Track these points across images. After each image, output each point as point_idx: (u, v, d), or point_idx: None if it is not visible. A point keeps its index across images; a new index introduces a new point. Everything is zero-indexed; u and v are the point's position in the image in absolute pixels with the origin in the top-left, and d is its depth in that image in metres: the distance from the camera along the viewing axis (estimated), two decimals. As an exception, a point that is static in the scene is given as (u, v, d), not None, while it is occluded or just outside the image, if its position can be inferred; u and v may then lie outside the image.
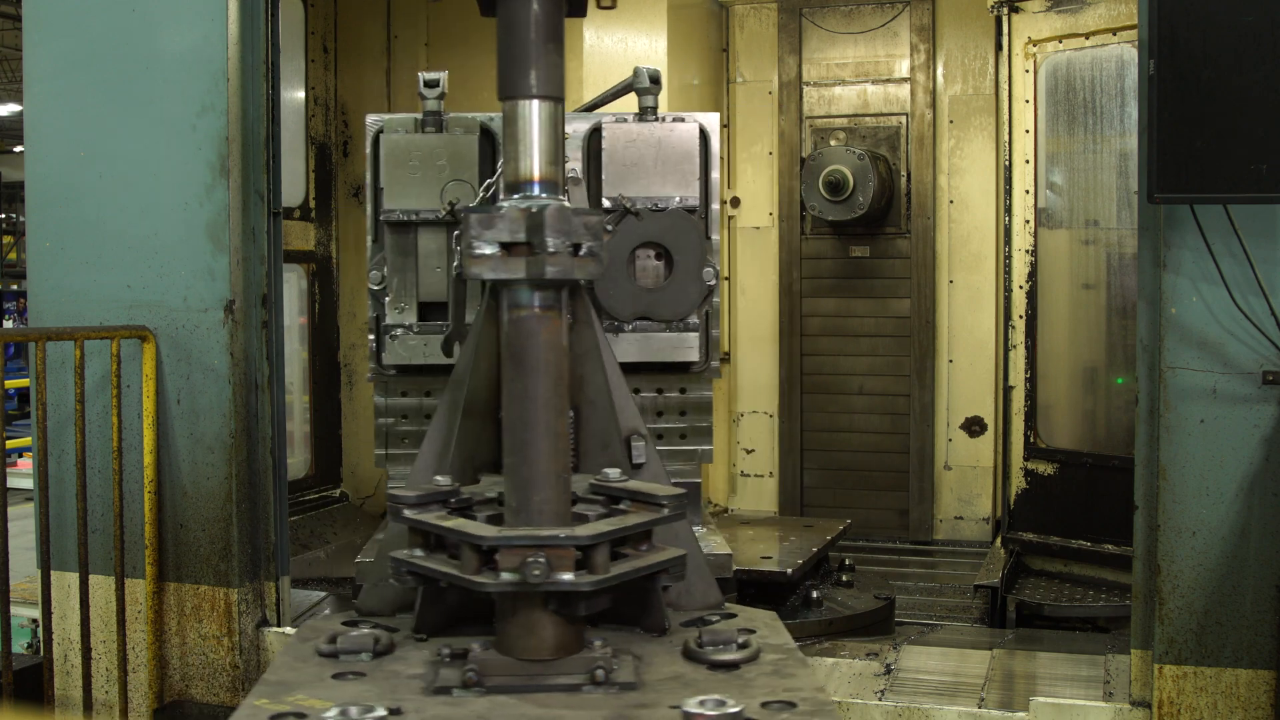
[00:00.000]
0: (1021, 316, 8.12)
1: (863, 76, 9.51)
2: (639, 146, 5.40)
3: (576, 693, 3.46)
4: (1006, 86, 8.19)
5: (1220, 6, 4.76)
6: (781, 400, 9.68)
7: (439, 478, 3.78)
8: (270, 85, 5.92)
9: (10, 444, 8.68)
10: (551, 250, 3.45)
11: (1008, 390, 8.21)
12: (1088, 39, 7.76)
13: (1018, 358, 8.14)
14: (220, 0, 5.75)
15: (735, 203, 9.68)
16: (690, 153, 5.43)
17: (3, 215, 36.29)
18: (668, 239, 5.58)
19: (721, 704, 3.15)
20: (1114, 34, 7.60)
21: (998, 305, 8.78)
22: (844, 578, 7.30)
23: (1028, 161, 8.10)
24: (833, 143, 9.43)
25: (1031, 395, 8.13)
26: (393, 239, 5.24)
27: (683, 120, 5.50)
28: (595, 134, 5.48)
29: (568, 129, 5.03)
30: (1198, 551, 5.12)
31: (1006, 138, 8.17)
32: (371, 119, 5.31)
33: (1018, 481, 8.17)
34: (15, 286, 31.45)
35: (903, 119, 9.39)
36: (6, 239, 36.67)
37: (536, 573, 3.40)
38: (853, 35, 9.51)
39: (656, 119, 5.52)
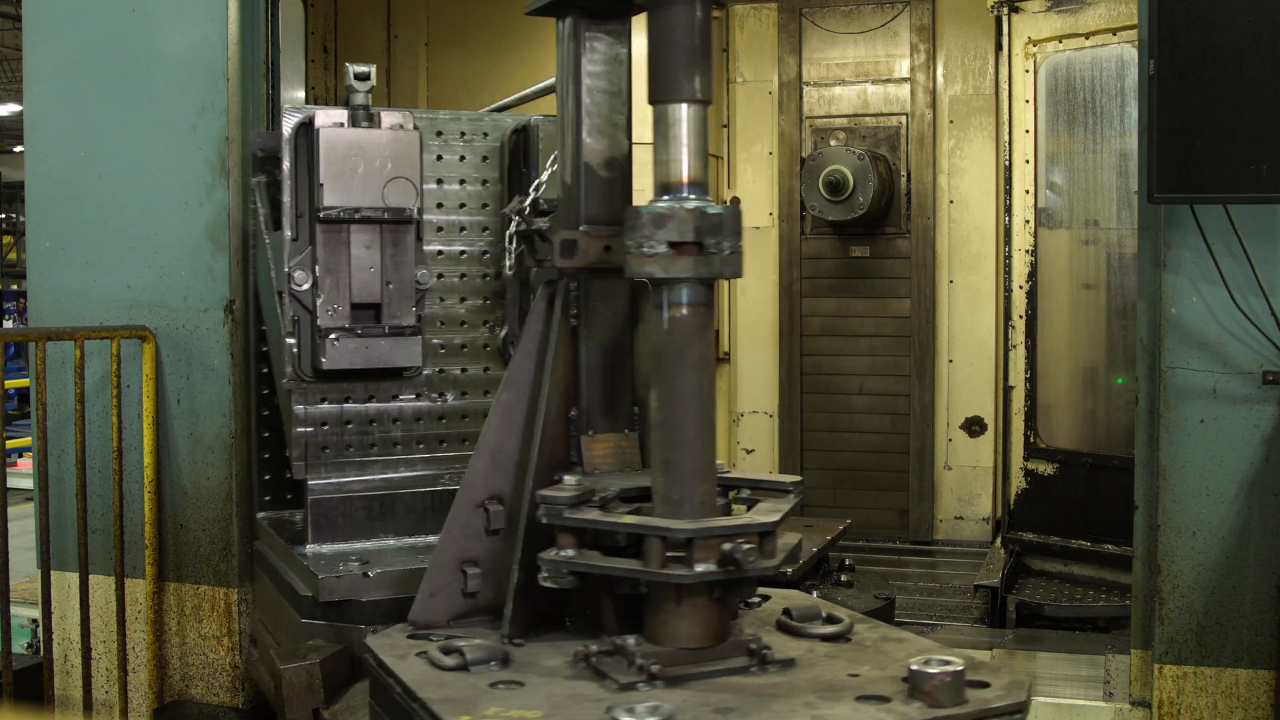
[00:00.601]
0: (1021, 316, 8.12)
1: (863, 76, 9.51)
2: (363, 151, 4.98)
3: (752, 674, 3.57)
4: (1006, 86, 8.20)
5: (1220, 6, 4.76)
6: (781, 400, 9.68)
7: (568, 478, 3.81)
8: (270, 85, 5.92)
9: (10, 444, 8.68)
10: (729, 251, 3.64)
11: (1008, 390, 8.21)
12: (1088, 39, 7.76)
13: (1018, 358, 8.15)
14: (220, 0, 5.75)
15: (735, 203, 9.68)
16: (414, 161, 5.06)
17: (3, 215, 36.27)
18: None
19: (945, 663, 3.33)
20: (1114, 34, 7.61)
21: (998, 305, 8.78)
22: (844, 578, 7.29)
23: (1028, 161, 8.10)
24: (833, 143, 9.43)
25: (1031, 395, 8.13)
26: (326, 237, 4.98)
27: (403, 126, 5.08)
28: (303, 130, 5.02)
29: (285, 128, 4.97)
30: (1198, 551, 5.12)
31: (1006, 138, 8.17)
32: (291, 110, 5.04)
33: (1018, 481, 8.17)
34: (15, 286, 31.43)
35: (903, 119, 9.40)
36: (6, 239, 36.65)
37: (752, 560, 3.48)
38: (853, 35, 9.52)
39: (371, 122, 5.04)
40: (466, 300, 5.40)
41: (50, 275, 6.06)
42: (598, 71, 4.16)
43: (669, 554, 3.52)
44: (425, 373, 5.24)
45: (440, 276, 5.31)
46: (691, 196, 3.72)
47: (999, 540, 8.37)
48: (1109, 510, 7.55)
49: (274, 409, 5.54)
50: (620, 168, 4.17)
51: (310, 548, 4.94)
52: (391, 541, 5.10)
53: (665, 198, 3.73)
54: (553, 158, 4.41)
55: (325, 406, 5.10)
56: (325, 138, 4.92)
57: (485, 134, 5.45)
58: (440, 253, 5.32)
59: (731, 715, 3.26)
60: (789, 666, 3.62)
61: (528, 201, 4.34)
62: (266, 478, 5.59)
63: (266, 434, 5.58)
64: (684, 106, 3.76)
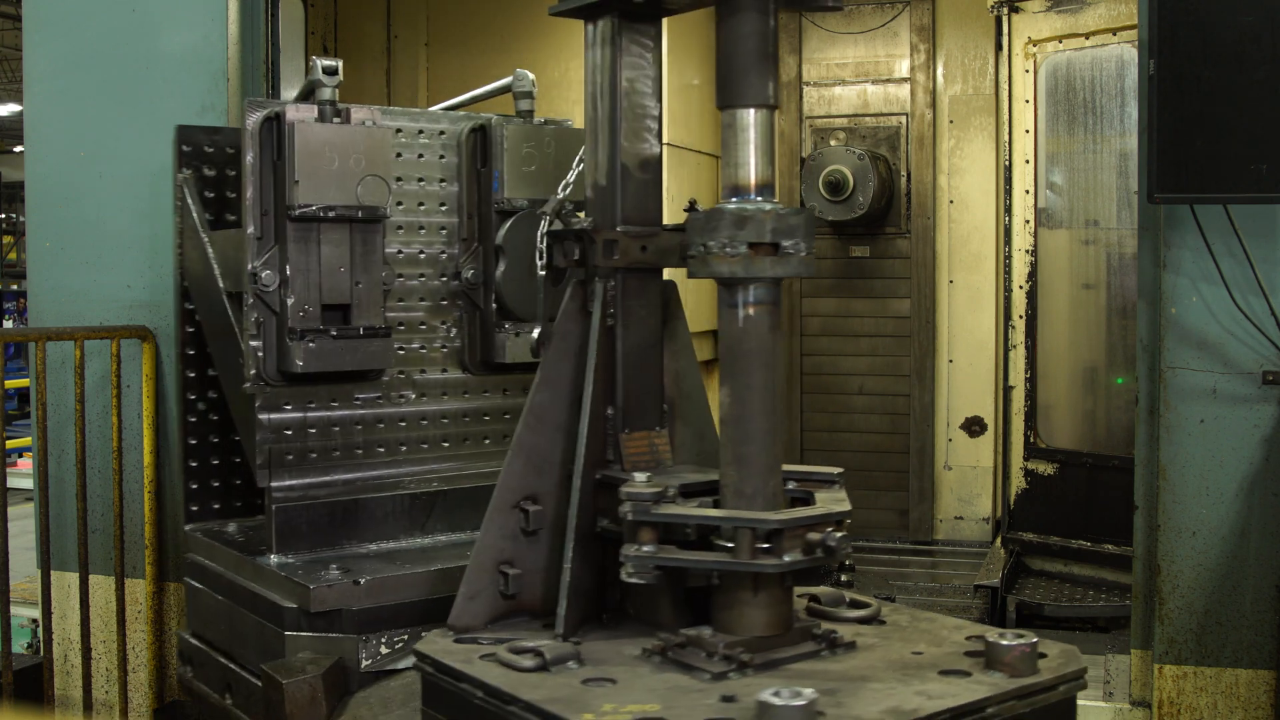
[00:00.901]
0: (1021, 316, 8.12)
1: (863, 76, 9.51)
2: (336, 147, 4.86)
3: (825, 658, 3.71)
4: (1006, 86, 8.19)
5: (1220, 6, 4.76)
6: (782, 400, 9.68)
7: (638, 475, 3.88)
8: (270, 85, 5.92)
9: (10, 444, 8.68)
10: (805, 252, 3.78)
11: (1008, 390, 8.21)
12: (1088, 39, 7.76)
13: (1018, 358, 8.14)
14: (220, 0, 5.76)
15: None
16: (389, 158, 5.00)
17: (3, 215, 36.29)
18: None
19: (1020, 635, 3.57)
20: (1114, 34, 7.61)
21: (998, 305, 8.78)
22: (844, 578, 7.28)
23: (1028, 161, 8.10)
24: (833, 143, 9.43)
25: (1031, 395, 8.13)
26: (297, 236, 4.74)
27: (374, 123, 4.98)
28: (271, 124, 4.81)
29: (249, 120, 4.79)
30: (1198, 551, 5.12)
31: (1006, 138, 8.17)
32: (255, 103, 4.81)
33: (1018, 481, 8.17)
34: (15, 286, 31.45)
35: (903, 119, 9.40)
36: (6, 239, 36.67)
37: (845, 549, 3.65)
38: (853, 35, 9.51)
39: (341, 117, 4.91)
40: (425, 302, 5.27)
41: (50, 275, 6.07)
42: (634, 75, 4.30)
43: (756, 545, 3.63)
44: (384, 377, 5.10)
45: (400, 277, 5.18)
46: (759, 199, 3.84)
47: (999, 540, 8.37)
48: (1109, 510, 7.55)
49: (202, 415, 5.46)
50: (653, 169, 4.29)
51: (275, 558, 4.75)
52: (360, 548, 4.95)
53: (734, 200, 3.84)
54: (578, 158, 4.52)
55: (290, 412, 4.91)
56: (300, 133, 4.74)
57: (442, 132, 5.35)
58: (400, 253, 5.19)
59: (839, 696, 3.37)
60: (852, 649, 3.77)
61: (558, 202, 4.33)
62: (194, 486, 5.45)
63: (194, 441, 5.45)
64: (752, 111, 3.86)
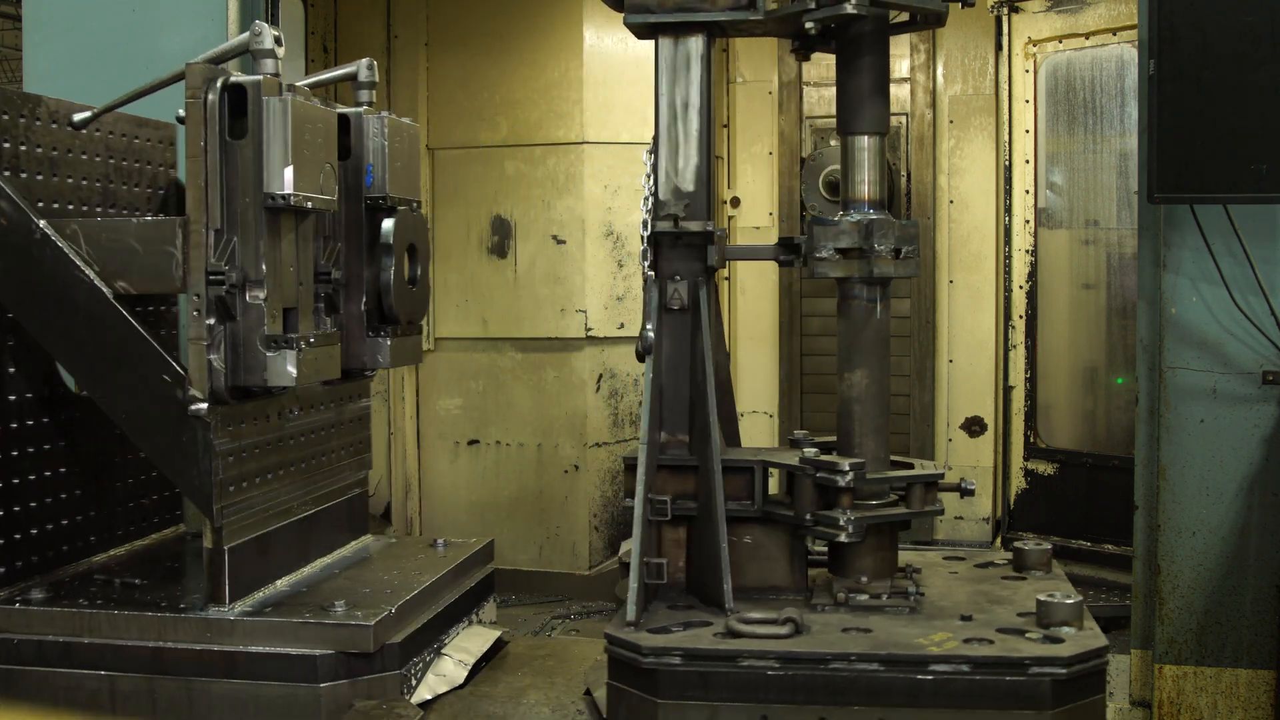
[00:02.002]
0: (1021, 316, 8.12)
1: (863, 76, 9.51)
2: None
3: (909, 602, 4.54)
4: (1006, 86, 8.20)
5: (1220, 6, 4.76)
6: (781, 400, 9.68)
7: (807, 451, 4.60)
8: (270, 85, 5.91)
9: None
10: (918, 255, 4.76)
11: (1008, 390, 8.21)
12: (1088, 39, 7.77)
13: (1018, 358, 8.15)
14: (220, 0, 5.76)
15: (735, 203, 9.68)
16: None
17: (3, 215, 36.27)
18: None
19: (1067, 595, 4.38)
20: (1114, 34, 7.61)
21: (998, 305, 8.78)
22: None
23: (1028, 161, 8.11)
24: (833, 142, 9.42)
25: (1031, 395, 8.14)
26: (272, 230, 4.12)
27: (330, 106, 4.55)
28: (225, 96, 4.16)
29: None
30: (1198, 551, 5.12)
31: (1006, 138, 8.18)
32: (207, 73, 4.09)
33: (1018, 481, 8.17)
34: None
35: (903, 119, 9.39)
36: (6, 239, 36.65)
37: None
38: (853, 35, 9.51)
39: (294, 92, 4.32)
40: None
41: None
42: (709, 92, 4.79)
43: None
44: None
45: None
46: (872, 212, 4.75)
47: (999, 540, 8.37)
48: (1109, 510, 7.56)
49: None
50: (712, 176, 4.86)
51: (235, 605, 4.26)
52: (308, 571, 4.72)
53: (852, 212, 4.76)
54: (649, 162, 4.83)
55: (247, 436, 4.34)
56: (295, 110, 4.13)
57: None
58: None
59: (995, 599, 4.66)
60: (920, 596, 4.60)
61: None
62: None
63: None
64: (869, 138, 4.73)
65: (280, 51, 4.30)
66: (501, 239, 8.67)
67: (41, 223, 4.20)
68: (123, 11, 5.93)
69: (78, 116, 4.89)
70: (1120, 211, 7.69)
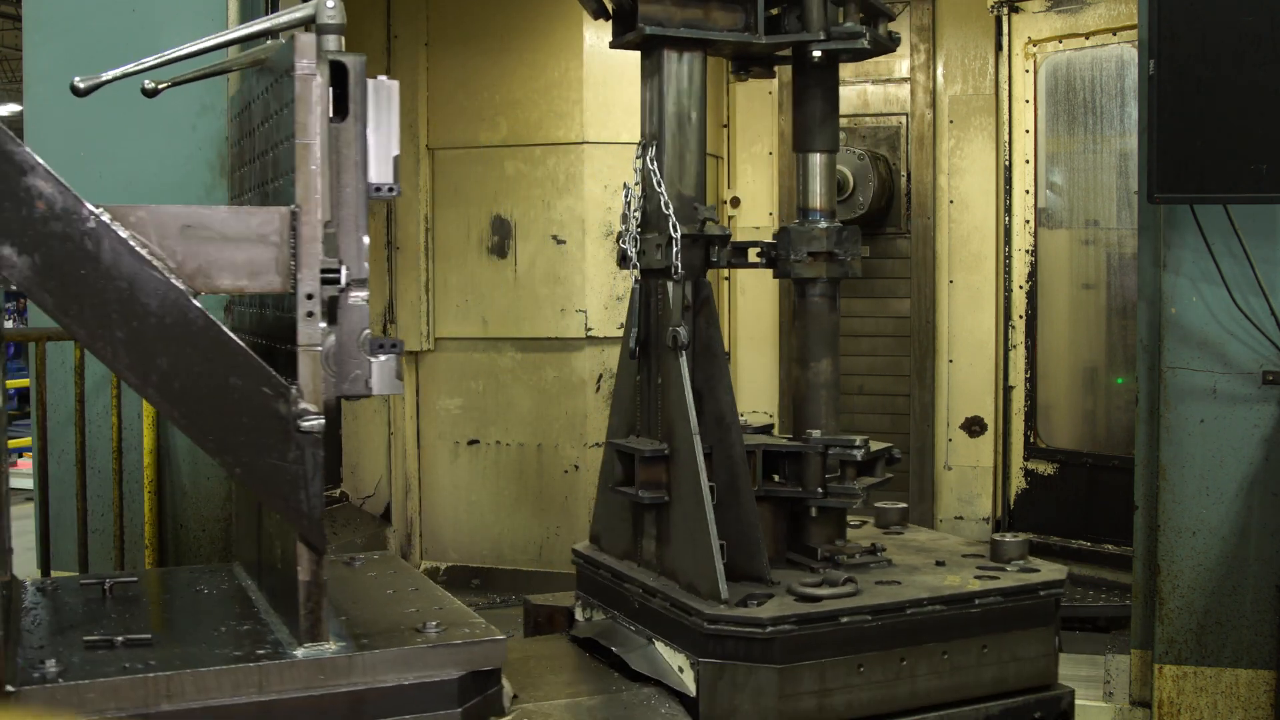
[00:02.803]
0: (1021, 316, 8.12)
1: (863, 76, 9.50)
2: None
3: (884, 559, 5.22)
4: (1006, 86, 8.20)
5: (1220, 6, 4.76)
6: (782, 400, 9.68)
7: (813, 431, 5.26)
8: (270, 85, 5.90)
9: (10, 444, 8.68)
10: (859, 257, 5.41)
11: (1008, 390, 8.21)
12: (1088, 39, 7.76)
13: (1018, 358, 8.14)
14: (220, 0, 5.76)
15: (735, 203, 9.68)
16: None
17: (3, 215, 36.27)
18: None
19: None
20: (1114, 34, 7.61)
21: (998, 305, 8.77)
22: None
23: (1028, 161, 8.10)
24: (833, 143, 9.42)
25: (1031, 395, 8.13)
26: (361, 224, 3.77)
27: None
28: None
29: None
30: (1198, 551, 5.13)
31: (1006, 138, 8.17)
32: (317, 50, 3.77)
33: (1018, 481, 8.17)
34: (15, 286, 31.40)
35: (903, 119, 9.38)
36: (6, 239, 36.65)
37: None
38: (853, 35, 9.51)
39: None
40: None
41: (50, 275, 6.03)
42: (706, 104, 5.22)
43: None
44: None
45: None
46: (822, 219, 5.36)
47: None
48: (1109, 510, 7.55)
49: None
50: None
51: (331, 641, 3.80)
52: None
53: (808, 219, 5.37)
54: (644, 168, 5.11)
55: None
56: (391, 95, 3.85)
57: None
58: None
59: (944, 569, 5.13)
60: (882, 565, 5.18)
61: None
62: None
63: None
64: (820, 155, 5.37)
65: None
66: (501, 239, 8.66)
67: (98, 209, 3.46)
68: (123, 11, 5.93)
69: (81, 83, 4.39)
70: (1120, 211, 7.69)
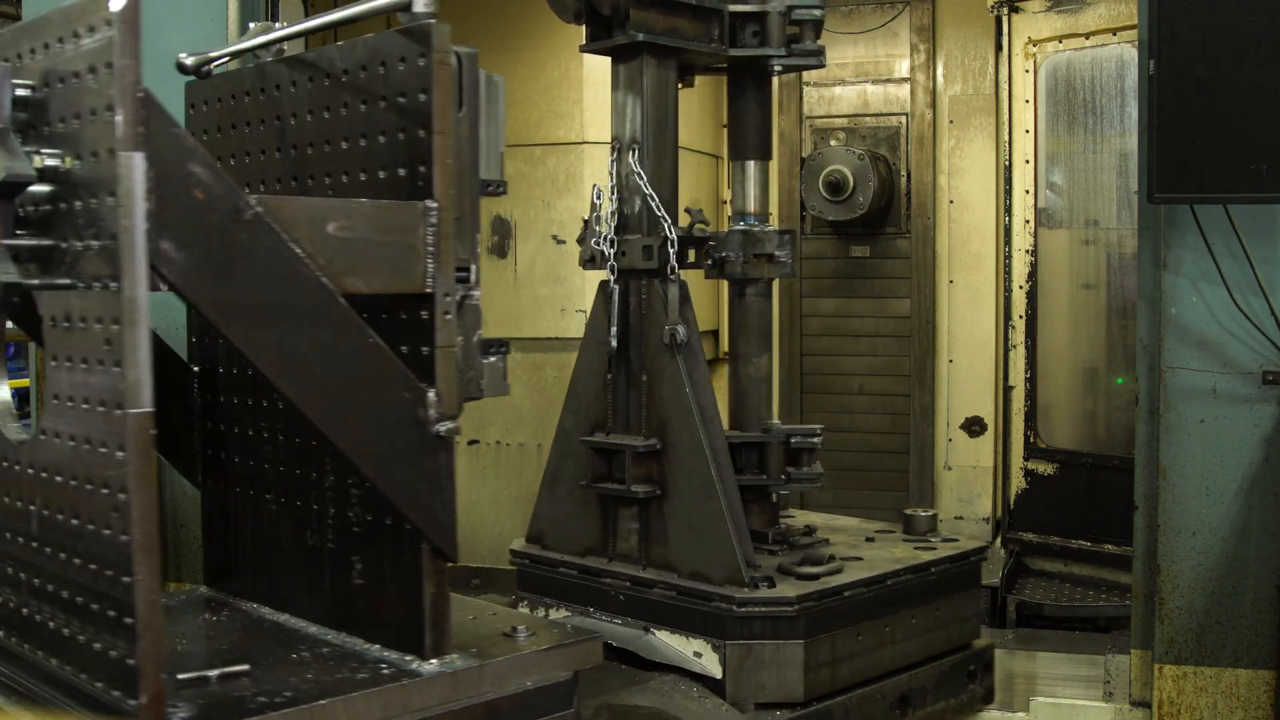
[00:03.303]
0: (1021, 316, 8.12)
1: (863, 76, 9.51)
2: None
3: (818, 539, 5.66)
4: (1006, 86, 8.20)
5: (1220, 6, 4.76)
6: (781, 400, 9.68)
7: (774, 422, 5.67)
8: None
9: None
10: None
11: (1008, 390, 8.21)
12: (1088, 39, 7.76)
13: (1018, 358, 8.15)
14: (220, 0, 5.76)
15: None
16: None
17: (3, 215, 36.27)
18: None
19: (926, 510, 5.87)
20: (1114, 34, 7.61)
21: (998, 305, 8.77)
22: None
23: (1028, 161, 8.10)
24: (833, 143, 9.42)
25: (1031, 395, 8.13)
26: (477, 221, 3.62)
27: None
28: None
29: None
30: (1198, 551, 5.12)
31: (1006, 138, 8.18)
32: (446, 26, 3.63)
33: (1018, 481, 8.17)
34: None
35: (903, 119, 9.39)
36: (6, 239, 36.66)
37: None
38: (852, 35, 9.51)
39: None
40: None
41: (50, 275, 6.03)
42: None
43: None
44: None
45: None
46: (755, 222, 5.58)
47: (999, 540, 8.37)
48: (1109, 510, 7.55)
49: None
50: None
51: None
52: None
53: (741, 222, 5.58)
54: (631, 171, 5.22)
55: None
56: (498, 85, 3.73)
57: None
58: None
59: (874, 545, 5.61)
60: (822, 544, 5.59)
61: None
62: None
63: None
64: (753, 163, 5.62)
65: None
66: (501, 239, 8.66)
67: (254, 200, 3.17)
68: (123, 11, 5.93)
69: (188, 59, 3.97)
70: (1120, 211, 7.69)
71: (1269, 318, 4.99)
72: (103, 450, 3.01)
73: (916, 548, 5.50)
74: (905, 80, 9.37)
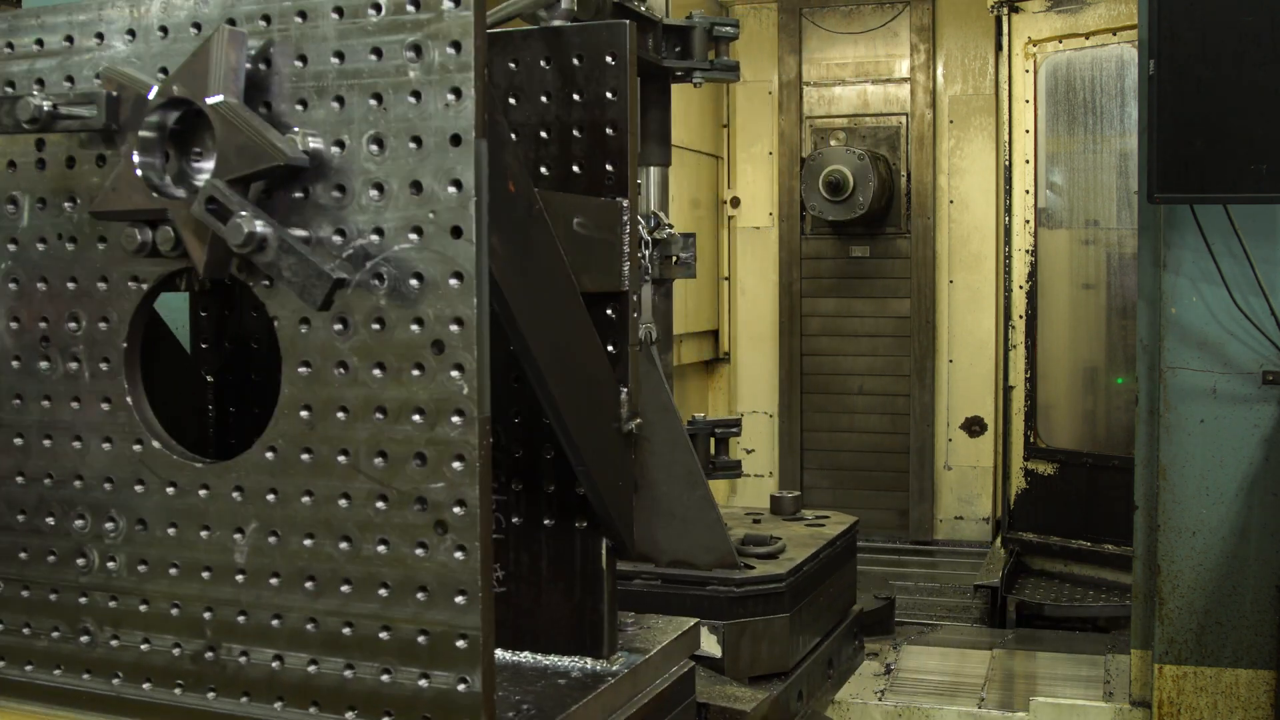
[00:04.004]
0: (1021, 316, 8.12)
1: (863, 76, 9.52)
2: None
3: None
4: (1006, 86, 8.19)
5: (1220, 6, 4.76)
6: (781, 400, 9.68)
7: (698, 415, 5.96)
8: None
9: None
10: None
11: (1008, 390, 8.21)
12: (1088, 39, 7.76)
13: (1018, 358, 8.14)
14: (220, 0, 5.75)
15: (735, 203, 9.69)
16: None
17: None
18: None
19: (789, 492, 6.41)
20: (1114, 34, 7.61)
21: (998, 305, 8.78)
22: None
23: (1028, 161, 8.10)
24: (833, 143, 9.43)
25: (1031, 395, 8.13)
26: None
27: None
28: None
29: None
30: (1198, 551, 5.12)
31: (1006, 138, 8.17)
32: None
33: (1018, 481, 8.17)
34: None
35: (903, 119, 9.40)
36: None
37: None
38: (853, 35, 9.52)
39: None
40: None
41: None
42: None
43: None
44: None
45: None
46: (653, 223, 5.52)
47: (999, 540, 8.37)
48: (1109, 510, 7.55)
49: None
50: None
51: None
52: None
53: (649, 222, 5.48)
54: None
55: None
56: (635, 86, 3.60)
57: None
58: None
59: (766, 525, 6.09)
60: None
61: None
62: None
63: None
64: (654, 169, 5.70)
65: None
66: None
67: (537, 194, 3.05)
68: (122, 11, 5.92)
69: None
70: (1120, 211, 7.69)
71: (1269, 318, 4.99)
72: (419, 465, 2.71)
73: (808, 525, 6.09)
74: (905, 80, 9.38)
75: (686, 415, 5.77)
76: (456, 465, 2.67)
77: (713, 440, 5.90)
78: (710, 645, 4.98)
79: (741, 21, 9.65)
